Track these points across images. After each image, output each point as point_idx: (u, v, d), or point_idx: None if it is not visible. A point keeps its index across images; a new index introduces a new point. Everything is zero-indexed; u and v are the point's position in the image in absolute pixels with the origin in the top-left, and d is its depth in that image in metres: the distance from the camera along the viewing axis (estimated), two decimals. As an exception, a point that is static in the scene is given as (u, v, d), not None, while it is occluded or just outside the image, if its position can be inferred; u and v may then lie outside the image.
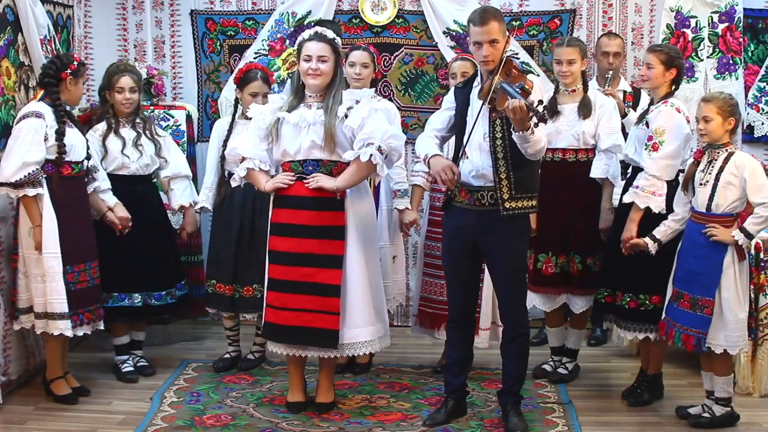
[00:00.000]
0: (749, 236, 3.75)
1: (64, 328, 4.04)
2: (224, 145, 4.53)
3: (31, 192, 3.98)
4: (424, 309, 4.68)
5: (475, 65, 4.50)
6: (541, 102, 3.36)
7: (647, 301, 4.07)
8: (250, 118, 4.28)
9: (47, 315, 4.05)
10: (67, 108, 4.28)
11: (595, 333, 5.33)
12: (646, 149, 3.99)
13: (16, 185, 3.95)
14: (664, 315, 3.98)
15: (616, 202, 4.37)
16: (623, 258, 4.05)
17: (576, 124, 4.38)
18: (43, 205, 4.03)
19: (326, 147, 3.91)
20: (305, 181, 3.93)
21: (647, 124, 4.04)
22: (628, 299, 4.09)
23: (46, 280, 4.03)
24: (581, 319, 4.61)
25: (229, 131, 4.63)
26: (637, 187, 3.97)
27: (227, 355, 4.81)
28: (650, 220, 4.00)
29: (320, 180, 3.91)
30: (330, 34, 3.97)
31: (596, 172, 4.39)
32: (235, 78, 4.73)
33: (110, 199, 4.39)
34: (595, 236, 4.42)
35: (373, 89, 4.33)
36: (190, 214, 4.78)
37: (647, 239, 3.96)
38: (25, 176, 3.94)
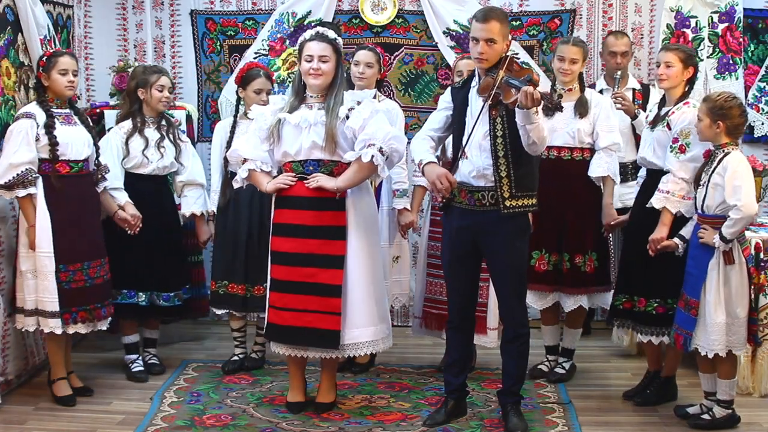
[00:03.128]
0: (725, 240, 3.72)
1: (54, 326, 4.05)
2: (227, 146, 4.54)
3: (21, 193, 4.00)
4: (429, 310, 4.67)
5: None
6: (554, 90, 3.35)
7: (675, 305, 4.01)
8: (252, 119, 4.30)
9: (39, 312, 4.06)
10: (78, 106, 4.31)
11: None
12: (671, 151, 3.97)
13: (7, 186, 3.98)
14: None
15: (616, 201, 4.41)
16: (647, 263, 4.01)
17: (572, 123, 4.38)
18: (38, 205, 4.04)
19: (327, 147, 3.92)
20: (305, 181, 3.94)
21: (668, 126, 4.01)
22: (656, 304, 4.06)
23: (38, 277, 4.05)
24: (576, 318, 4.61)
25: (232, 132, 4.63)
26: (668, 192, 3.94)
27: (235, 357, 4.78)
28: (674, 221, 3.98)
29: (320, 180, 3.91)
30: (331, 34, 3.97)
31: (597, 171, 4.39)
32: (237, 78, 4.74)
33: (121, 198, 4.40)
34: (588, 235, 4.43)
35: (375, 90, 4.36)
36: (202, 223, 4.76)
37: (676, 240, 3.95)
38: (13, 177, 3.96)
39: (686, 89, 4.08)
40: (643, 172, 4.30)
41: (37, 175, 4.03)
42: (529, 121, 3.50)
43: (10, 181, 3.96)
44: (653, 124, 4.13)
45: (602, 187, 4.43)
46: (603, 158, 4.39)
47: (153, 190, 4.59)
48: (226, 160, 4.53)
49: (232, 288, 4.62)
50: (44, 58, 4.11)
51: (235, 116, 4.71)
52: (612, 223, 4.38)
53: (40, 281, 4.06)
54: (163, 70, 4.69)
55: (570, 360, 4.67)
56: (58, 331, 4.07)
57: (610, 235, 4.58)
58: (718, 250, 3.76)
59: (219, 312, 4.79)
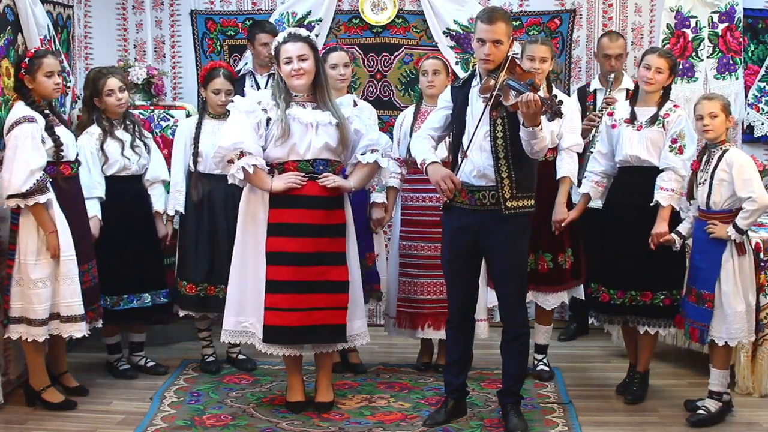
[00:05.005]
0: (740, 231, 3.85)
1: (83, 329, 4.03)
2: (195, 145, 4.52)
3: (42, 199, 3.88)
4: (403, 310, 4.66)
5: (446, 64, 4.57)
6: (555, 96, 3.36)
7: (679, 296, 4.14)
8: (217, 116, 4.35)
9: (63, 318, 3.99)
10: (57, 108, 4.25)
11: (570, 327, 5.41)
12: (671, 151, 4.06)
13: (26, 194, 3.85)
14: (681, 309, 4.09)
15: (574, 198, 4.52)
16: (650, 258, 4.09)
17: (542, 124, 4.38)
18: (54, 209, 3.96)
19: (338, 149, 3.97)
20: (319, 180, 3.94)
21: (664, 127, 4.09)
22: (662, 296, 4.13)
23: (64, 283, 3.97)
24: (547, 316, 4.64)
25: (197, 130, 4.56)
26: (673, 190, 4.04)
27: (211, 358, 4.77)
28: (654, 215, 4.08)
29: (337, 180, 3.95)
30: (304, 32, 3.97)
31: (563, 171, 4.41)
32: (200, 77, 4.72)
33: (91, 210, 4.31)
34: (565, 233, 4.46)
35: (355, 95, 4.45)
36: (160, 220, 4.65)
37: (674, 235, 4.05)
38: (34, 184, 3.84)
39: (662, 93, 4.18)
40: (595, 167, 4.32)
41: (50, 179, 3.95)
42: (534, 137, 3.53)
43: (32, 187, 3.84)
44: (630, 122, 4.17)
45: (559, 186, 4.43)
46: (565, 159, 4.42)
47: (135, 192, 4.54)
48: (194, 158, 4.51)
49: (211, 290, 4.56)
50: (26, 60, 4.00)
51: (200, 116, 4.63)
52: (564, 222, 4.39)
53: (65, 287, 3.97)
54: (111, 71, 4.50)
55: (546, 355, 4.69)
56: (86, 334, 4.05)
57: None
58: (731, 243, 3.87)
59: (196, 315, 4.66)
